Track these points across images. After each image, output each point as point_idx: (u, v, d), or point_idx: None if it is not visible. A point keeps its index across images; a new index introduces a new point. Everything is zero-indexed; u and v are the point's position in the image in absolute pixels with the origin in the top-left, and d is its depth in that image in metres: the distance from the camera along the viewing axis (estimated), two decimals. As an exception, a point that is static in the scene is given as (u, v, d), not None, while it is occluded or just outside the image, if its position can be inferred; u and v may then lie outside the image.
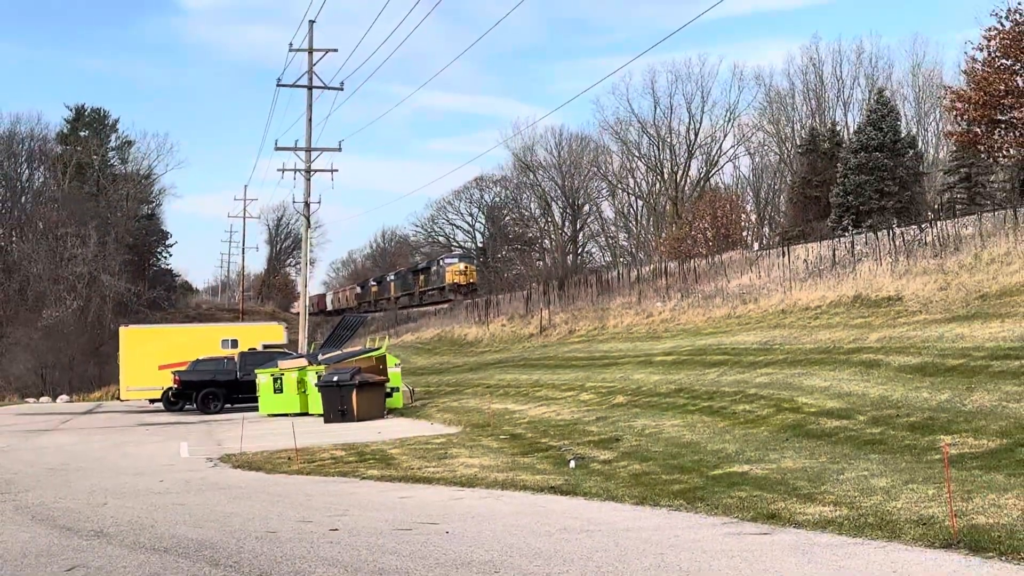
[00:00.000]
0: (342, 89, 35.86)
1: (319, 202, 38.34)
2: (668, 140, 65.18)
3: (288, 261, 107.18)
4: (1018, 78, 32.19)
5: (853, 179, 37.84)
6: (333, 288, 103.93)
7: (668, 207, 62.64)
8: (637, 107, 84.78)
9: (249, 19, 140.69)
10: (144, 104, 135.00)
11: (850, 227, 34.82)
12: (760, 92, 69.12)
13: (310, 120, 35.73)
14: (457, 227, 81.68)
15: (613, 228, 72.83)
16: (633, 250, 65.91)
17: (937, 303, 20.14)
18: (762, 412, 14.85)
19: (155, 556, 8.07)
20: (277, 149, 36.16)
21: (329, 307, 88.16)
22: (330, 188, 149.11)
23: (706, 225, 44.64)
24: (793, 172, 52.98)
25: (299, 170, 35.98)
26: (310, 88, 35.48)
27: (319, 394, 22.66)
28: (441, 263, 60.75)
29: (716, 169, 65.82)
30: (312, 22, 36.07)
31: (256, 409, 26.16)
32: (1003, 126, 33.27)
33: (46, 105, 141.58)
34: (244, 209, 75.49)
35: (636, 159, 67.93)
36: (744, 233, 49.18)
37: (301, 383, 25.04)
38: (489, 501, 10.67)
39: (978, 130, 33.52)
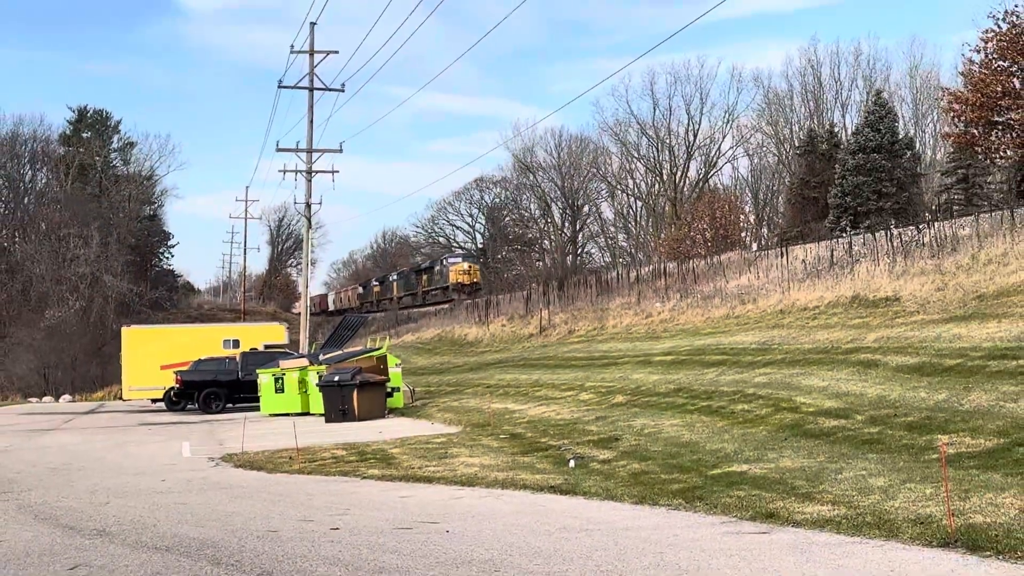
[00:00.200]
0: (343, 91, 35.91)
1: (320, 203, 38.37)
2: (667, 141, 65.26)
3: (289, 262, 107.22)
4: (1015, 80, 32.20)
5: (851, 180, 37.85)
6: (335, 288, 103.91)
7: (667, 208, 62.66)
8: (636, 108, 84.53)
9: (251, 21, 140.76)
10: (146, 106, 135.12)
11: (848, 228, 34.84)
12: (758, 94, 69.40)
13: (311, 121, 35.77)
14: (457, 228, 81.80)
15: (612, 229, 72.91)
16: (632, 251, 65.97)
17: (934, 303, 20.14)
18: (760, 412, 14.85)
19: (157, 555, 8.07)
20: (278, 150, 36.23)
21: (331, 307, 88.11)
22: (331, 189, 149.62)
23: (705, 226, 44.68)
24: (791, 173, 52.99)
25: (300, 171, 36.00)
26: (311, 90, 35.50)
27: (320, 394, 22.65)
28: (445, 263, 60.62)
29: (715, 170, 65.88)
30: (313, 24, 36.01)
31: (258, 409, 26.16)
32: (1000, 127, 33.29)
33: (49, 107, 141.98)
34: (246, 210, 75.58)
35: (635, 160, 68.03)
36: (743, 234, 49.19)
37: (302, 383, 25.04)
38: (489, 500, 10.67)
39: (975, 131, 33.55)
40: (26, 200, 70.95)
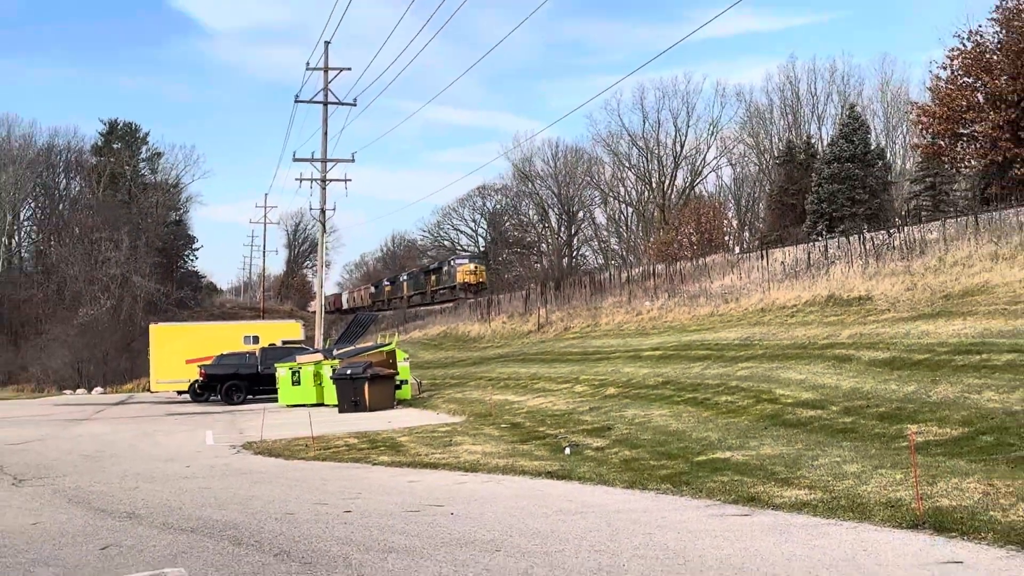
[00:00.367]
0: (355, 105, 35.85)
1: (334, 209, 38.22)
2: (656, 152, 65.12)
3: (305, 263, 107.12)
4: (979, 95, 32.19)
5: (827, 188, 37.80)
6: (348, 288, 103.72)
7: (656, 214, 62.57)
8: (627, 121, 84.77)
9: (269, 41, 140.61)
10: (173, 119, 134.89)
11: (824, 232, 34.79)
12: (741, 108, 69.25)
13: (325, 133, 35.73)
14: (461, 232, 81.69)
15: (605, 233, 72.74)
16: (623, 253, 65.81)
17: (904, 302, 20.13)
18: (743, 403, 14.84)
19: (182, 536, 8.07)
20: (295, 160, 36.16)
21: (344, 306, 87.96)
22: (344, 196, 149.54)
23: (691, 230, 44.62)
24: (771, 181, 52.89)
25: (315, 180, 35.96)
26: (325, 104, 35.46)
27: (334, 386, 22.64)
28: (452, 263, 60.37)
29: (700, 179, 65.69)
30: (327, 43, 35.96)
31: (276, 400, 26.16)
32: (965, 139, 33.29)
33: (82, 120, 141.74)
34: (265, 216, 75.46)
35: (626, 169, 67.88)
36: (726, 238, 49.13)
37: (317, 376, 25.03)
38: (491, 485, 10.67)
39: (942, 143, 33.53)
40: (61, 206, 70.99)
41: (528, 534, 7.71)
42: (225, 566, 6.86)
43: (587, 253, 74.29)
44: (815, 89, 59.55)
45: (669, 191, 64.40)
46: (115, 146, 74.53)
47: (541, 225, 75.32)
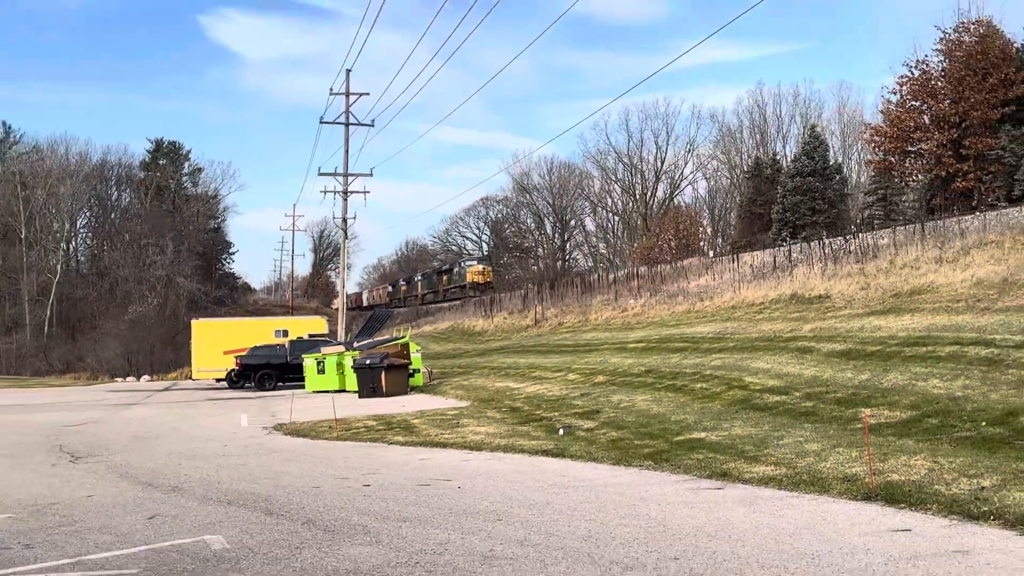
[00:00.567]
0: (373, 126, 35.93)
1: (355, 218, 38.24)
2: (639, 167, 65.09)
3: (329, 266, 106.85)
4: (925, 117, 32.22)
5: (790, 199, 37.76)
6: (367, 288, 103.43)
7: (639, 222, 62.50)
8: (614, 140, 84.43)
9: (297, 69, 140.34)
10: (211, 137, 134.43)
11: (788, 238, 34.75)
12: (714, 128, 69.26)
13: (347, 151, 35.70)
14: (467, 238, 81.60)
15: (594, 239, 72.65)
16: (611, 257, 65.76)
17: (859, 300, 20.12)
18: (716, 389, 14.83)
19: (220, 507, 8.07)
20: (320, 174, 36.15)
21: (365, 303, 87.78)
22: (364, 206, 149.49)
23: (670, 237, 44.61)
24: (741, 193, 52.81)
25: (338, 192, 35.94)
26: (347, 125, 35.43)
27: (354, 374, 22.62)
28: (462, 265, 60.11)
29: (678, 191, 65.63)
30: (348, 71, 36.15)
31: (303, 387, 26.13)
32: (912, 156, 33.32)
33: (132, 139, 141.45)
34: (293, 224, 75.83)
35: (613, 183, 67.81)
36: (701, 243, 49.10)
37: (340, 366, 25.00)
38: (493, 462, 10.67)
39: (892, 159, 33.57)
40: (113, 215, 70.98)
41: (526, 505, 7.71)
42: (258, 533, 6.86)
43: (578, 257, 74.28)
44: (780, 112, 59.63)
45: (651, 202, 64.38)
46: (161, 162, 74.46)
47: (538, 232, 75.28)
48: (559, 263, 67.02)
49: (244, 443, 13.73)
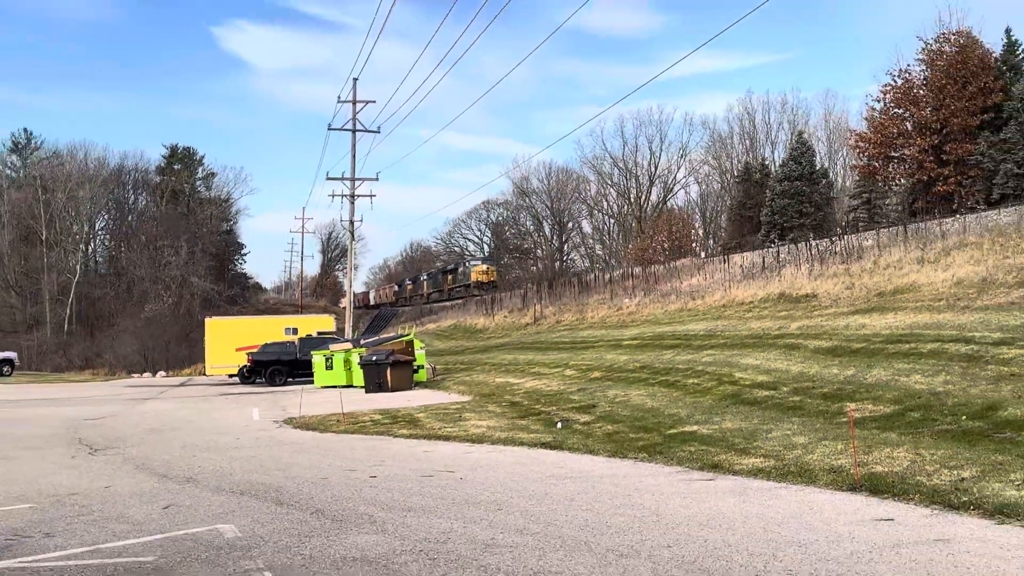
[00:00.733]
0: (379, 132, 35.81)
1: (361, 220, 38.31)
2: (634, 172, 65.03)
3: (337, 266, 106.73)
4: (907, 123, 32.22)
5: (779, 202, 37.76)
6: (374, 287, 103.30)
7: (634, 224, 62.46)
8: (610, 146, 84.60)
9: (306, 77, 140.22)
10: (224, 143, 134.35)
11: (776, 240, 34.75)
12: (706, 134, 69.22)
13: (354, 156, 35.68)
14: (469, 240, 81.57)
15: (591, 241, 72.59)
16: (607, 258, 65.70)
17: (844, 299, 20.12)
18: (707, 384, 14.82)
19: (233, 497, 8.07)
20: (328, 179, 36.58)
21: (371, 302, 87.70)
22: (370, 209, 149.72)
23: (663, 238, 44.59)
24: (732, 197, 52.78)
25: (345, 195, 35.92)
26: (354, 131, 35.41)
27: (361, 370, 22.61)
28: (467, 264, 59.92)
29: (671, 195, 65.56)
30: (355, 79, 35.92)
31: (312, 382, 26.13)
32: (895, 161, 33.31)
33: (148, 144, 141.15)
34: (303, 226, 75.44)
35: (609, 187, 67.73)
36: (693, 245, 49.05)
37: (347, 362, 25.00)
38: (494, 454, 10.67)
39: (876, 164, 33.56)
40: (130, 218, 70.93)
41: (525, 495, 7.71)
42: (269, 522, 6.86)
43: (576, 258, 74.22)
44: (769, 119, 59.60)
45: (645, 205, 64.35)
46: (176, 167, 74.46)
47: (537, 234, 75.25)
48: (557, 264, 66.99)
49: (255, 436, 13.72)
